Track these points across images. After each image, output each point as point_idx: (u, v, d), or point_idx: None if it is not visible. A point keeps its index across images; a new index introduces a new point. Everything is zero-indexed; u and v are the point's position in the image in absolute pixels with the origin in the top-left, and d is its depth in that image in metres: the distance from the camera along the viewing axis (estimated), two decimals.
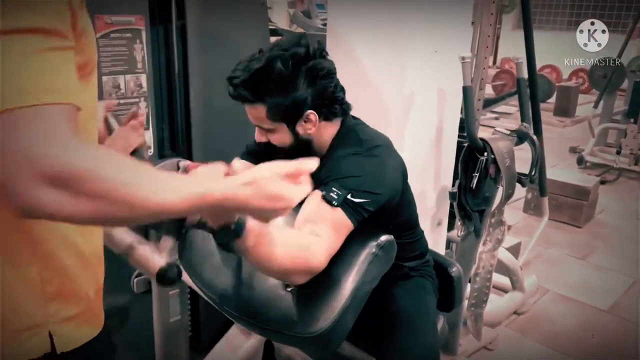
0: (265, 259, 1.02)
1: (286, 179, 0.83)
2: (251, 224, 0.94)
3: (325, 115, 1.29)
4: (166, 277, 0.91)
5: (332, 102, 1.28)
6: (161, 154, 1.88)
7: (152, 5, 1.73)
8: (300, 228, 1.15)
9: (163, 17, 1.80)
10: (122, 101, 1.71)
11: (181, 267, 1.28)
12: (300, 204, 1.19)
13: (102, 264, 0.90)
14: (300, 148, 1.30)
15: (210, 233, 0.92)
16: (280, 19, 7.48)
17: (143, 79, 1.73)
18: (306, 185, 0.86)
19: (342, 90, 1.32)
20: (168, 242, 0.91)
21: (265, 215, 0.84)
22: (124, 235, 0.92)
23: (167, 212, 0.70)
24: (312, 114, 1.26)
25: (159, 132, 1.86)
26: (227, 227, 0.91)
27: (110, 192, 0.62)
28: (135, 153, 1.23)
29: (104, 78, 1.65)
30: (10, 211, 0.60)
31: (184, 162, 1.59)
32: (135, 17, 1.66)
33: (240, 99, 1.24)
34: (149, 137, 1.80)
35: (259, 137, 1.32)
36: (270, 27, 2.24)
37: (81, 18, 0.71)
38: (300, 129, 1.28)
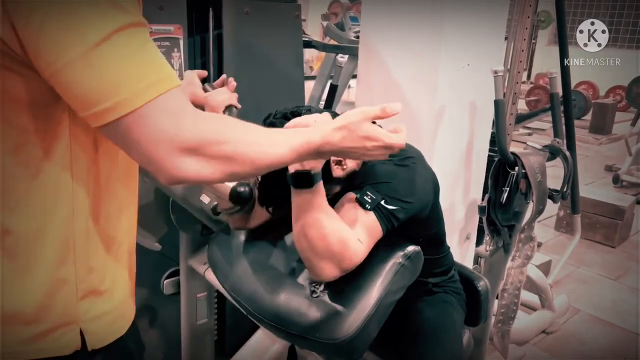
0: (315, 226, 1.08)
1: (373, 119, 0.92)
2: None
3: None
4: (239, 194, 1.00)
5: None
6: None
7: (191, 15, 1.78)
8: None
9: (200, 27, 1.85)
10: None
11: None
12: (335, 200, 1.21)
13: (133, 263, 0.92)
14: (353, 173, 1.28)
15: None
16: (313, 31, 7.57)
17: None
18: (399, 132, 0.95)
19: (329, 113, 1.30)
20: None
21: (359, 155, 0.92)
22: None
23: (280, 164, 0.80)
24: (340, 161, 1.24)
25: None
26: (305, 173, 1.03)
27: (236, 152, 0.72)
28: (227, 111, 1.37)
29: None
30: (161, 181, 0.69)
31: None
32: (174, 27, 1.71)
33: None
34: None
35: None
36: (304, 39, 2.28)
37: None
38: (338, 172, 1.24)
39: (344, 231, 1.12)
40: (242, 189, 1.14)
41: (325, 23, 5.07)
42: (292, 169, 1.07)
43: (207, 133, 0.69)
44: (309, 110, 1.24)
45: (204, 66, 1.89)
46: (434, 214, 1.36)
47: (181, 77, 1.78)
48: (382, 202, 1.17)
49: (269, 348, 1.50)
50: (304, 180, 1.07)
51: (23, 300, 0.74)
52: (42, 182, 0.73)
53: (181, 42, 1.74)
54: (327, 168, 1.23)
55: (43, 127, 0.71)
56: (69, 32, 0.62)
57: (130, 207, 0.89)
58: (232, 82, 1.43)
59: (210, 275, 1.50)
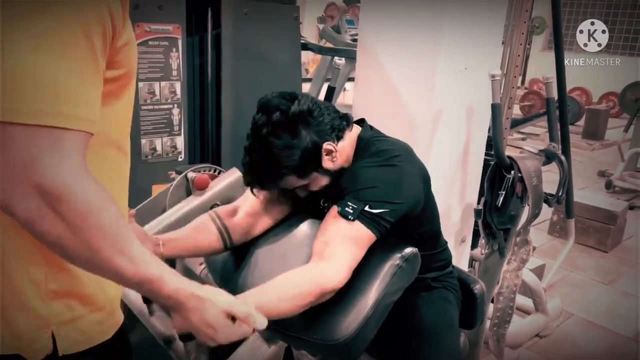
0: (284, 310, 1.07)
1: (229, 317, 0.87)
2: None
3: (337, 136, 1.29)
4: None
5: (333, 124, 1.28)
6: (191, 159, 1.92)
7: (189, 15, 1.78)
8: (316, 252, 1.17)
9: (199, 27, 1.85)
10: (156, 107, 1.75)
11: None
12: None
13: None
14: (339, 174, 1.30)
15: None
16: (310, 33, 7.57)
17: (177, 86, 1.78)
18: (244, 329, 0.90)
19: (330, 107, 1.32)
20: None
21: (191, 329, 0.86)
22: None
23: (118, 277, 0.72)
24: (328, 145, 1.26)
25: (190, 138, 1.91)
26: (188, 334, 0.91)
27: (83, 227, 0.65)
28: None
29: (140, 84, 1.70)
30: None
31: (191, 174, 1.62)
32: (173, 26, 1.71)
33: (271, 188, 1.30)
34: (180, 142, 1.84)
35: (301, 195, 1.34)
36: (300, 41, 2.28)
37: (125, 32, 0.73)
38: (328, 164, 1.28)
39: (300, 285, 1.11)
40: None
41: (321, 26, 5.09)
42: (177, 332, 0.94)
43: (72, 190, 0.64)
44: (307, 96, 1.26)
45: (202, 66, 1.89)
46: (427, 209, 1.35)
47: (180, 77, 1.78)
48: (367, 208, 1.17)
49: (265, 349, 1.49)
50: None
51: (6, 292, 0.72)
52: None
53: (180, 42, 1.74)
54: (317, 157, 1.25)
55: None
56: (26, 15, 0.60)
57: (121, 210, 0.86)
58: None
59: (207, 276, 1.50)
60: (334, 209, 1.20)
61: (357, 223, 1.16)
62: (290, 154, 1.22)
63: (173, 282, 0.78)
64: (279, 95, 1.24)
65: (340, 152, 1.29)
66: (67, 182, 0.64)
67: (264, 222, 1.38)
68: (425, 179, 1.34)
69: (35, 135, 0.61)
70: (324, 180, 1.30)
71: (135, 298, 1.38)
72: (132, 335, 1.44)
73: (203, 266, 1.57)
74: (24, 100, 0.61)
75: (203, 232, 1.33)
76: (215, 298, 0.86)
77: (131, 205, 0.97)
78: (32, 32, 0.61)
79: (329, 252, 1.15)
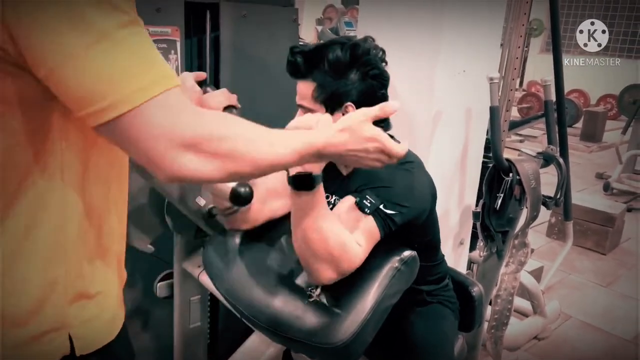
0: (315, 230, 1.09)
1: (374, 119, 0.93)
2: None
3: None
4: (239, 194, 1.00)
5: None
6: None
7: (188, 17, 1.78)
8: None
9: (197, 29, 1.85)
10: None
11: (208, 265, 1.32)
12: None
13: (123, 268, 0.91)
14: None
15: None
16: (308, 35, 7.58)
17: None
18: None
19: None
20: None
21: (358, 159, 0.92)
22: None
23: (282, 164, 0.80)
24: (351, 107, 1.27)
25: None
26: (306, 175, 1.03)
27: (236, 149, 0.71)
28: (227, 111, 1.36)
29: None
30: (160, 179, 0.69)
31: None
32: (171, 28, 1.71)
33: (294, 68, 1.29)
34: None
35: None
36: (299, 43, 2.28)
37: None
38: (337, 119, 1.28)
39: (343, 235, 1.12)
40: (242, 189, 1.13)
41: (319, 28, 5.09)
42: (292, 171, 1.06)
43: (207, 129, 0.68)
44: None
45: (200, 69, 1.89)
46: (430, 221, 1.36)
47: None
48: (381, 207, 1.18)
49: (264, 352, 1.49)
50: (305, 182, 1.07)
51: (14, 301, 0.73)
52: (31, 184, 0.71)
53: (178, 44, 1.74)
54: (339, 100, 1.27)
55: (32, 128, 0.70)
56: (65, 30, 0.61)
57: (122, 211, 0.88)
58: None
59: (205, 278, 1.49)
60: (350, 199, 1.20)
61: (370, 218, 1.17)
62: (332, 68, 1.25)
63: (315, 137, 0.84)
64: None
65: None
66: (200, 125, 0.68)
67: (268, 210, 1.38)
68: (433, 193, 1.35)
69: (160, 103, 0.65)
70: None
71: None
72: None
73: (201, 269, 1.57)
74: (140, 78, 0.64)
75: None
76: (352, 118, 0.91)
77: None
78: (102, 28, 0.63)
79: (354, 235, 1.15)
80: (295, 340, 1.18)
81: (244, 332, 1.61)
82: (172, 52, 1.73)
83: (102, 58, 0.62)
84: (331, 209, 1.26)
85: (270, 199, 1.38)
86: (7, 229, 0.71)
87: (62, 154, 0.73)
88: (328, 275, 1.12)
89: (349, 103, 1.27)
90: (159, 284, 1.79)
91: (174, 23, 1.72)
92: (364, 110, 0.93)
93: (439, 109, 1.88)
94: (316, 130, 0.87)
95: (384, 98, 1.31)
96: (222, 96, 1.38)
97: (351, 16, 6.72)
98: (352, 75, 1.26)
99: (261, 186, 1.36)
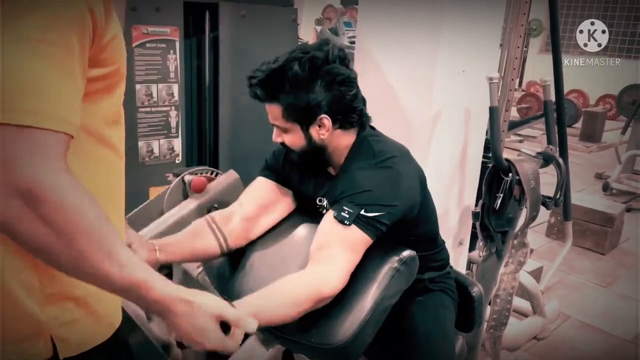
0: (280, 318, 1.08)
1: (219, 323, 0.84)
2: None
3: (341, 124, 1.27)
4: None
5: (348, 111, 1.26)
6: (189, 162, 1.92)
7: (187, 17, 1.78)
8: (313, 257, 1.18)
9: (196, 29, 1.85)
10: (153, 109, 1.75)
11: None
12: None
13: None
14: (315, 155, 1.30)
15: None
16: (307, 35, 7.58)
17: (175, 88, 1.77)
18: (235, 340, 0.87)
19: (362, 101, 1.30)
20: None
21: (178, 335, 0.83)
22: None
23: (106, 282, 0.70)
24: (325, 119, 1.24)
25: (187, 140, 1.90)
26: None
27: (65, 229, 0.63)
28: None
29: (137, 86, 1.70)
30: None
31: (189, 177, 1.61)
32: (171, 29, 1.71)
33: (257, 97, 1.25)
34: (178, 145, 1.84)
35: (276, 137, 1.32)
36: (298, 43, 2.28)
37: (110, 27, 0.72)
38: (313, 132, 1.26)
39: (300, 291, 1.11)
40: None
41: (319, 28, 5.09)
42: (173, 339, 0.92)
43: (55, 191, 0.62)
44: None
45: (199, 69, 1.89)
46: (424, 210, 1.34)
47: (178, 79, 1.77)
48: (362, 212, 1.17)
49: (263, 353, 1.49)
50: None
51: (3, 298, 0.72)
52: None
53: (177, 44, 1.74)
54: (312, 114, 1.23)
55: None
56: (5, 17, 0.60)
57: (119, 210, 0.86)
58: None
59: (204, 279, 1.49)
60: (330, 214, 1.20)
61: (354, 227, 1.16)
62: (295, 87, 1.20)
63: (161, 286, 0.76)
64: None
65: (332, 136, 1.27)
66: (47, 182, 0.62)
67: (260, 226, 1.38)
68: (422, 181, 1.33)
69: (14, 135, 0.60)
70: (299, 140, 1.27)
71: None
72: (133, 337, 1.43)
73: (200, 269, 1.57)
74: (3, 100, 0.59)
75: (199, 238, 1.32)
76: (205, 302, 0.83)
77: (129, 207, 0.96)
78: (8, 34, 0.60)
79: (326, 257, 1.15)
80: (294, 341, 1.18)
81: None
82: (171, 52, 1.73)
83: (9, 58, 0.60)
84: (324, 211, 1.26)
85: (260, 216, 1.38)
86: None
87: None
88: (320, 306, 1.13)
89: (322, 115, 1.24)
90: None
91: (173, 23, 1.72)
92: (221, 305, 0.86)
93: (439, 109, 1.88)
94: (163, 281, 0.77)
95: (356, 97, 1.27)
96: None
97: (350, 16, 6.72)
98: (317, 87, 1.21)
99: (248, 205, 1.36)
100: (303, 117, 1.24)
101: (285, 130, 1.28)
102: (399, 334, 1.39)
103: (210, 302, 0.84)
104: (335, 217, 1.17)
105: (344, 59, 1.27)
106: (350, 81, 1.25)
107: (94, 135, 0.76)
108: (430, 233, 1.42)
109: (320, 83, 1.22)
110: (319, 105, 1.23)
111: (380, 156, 1.26)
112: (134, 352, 0.95)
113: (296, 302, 1.09)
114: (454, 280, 1.54)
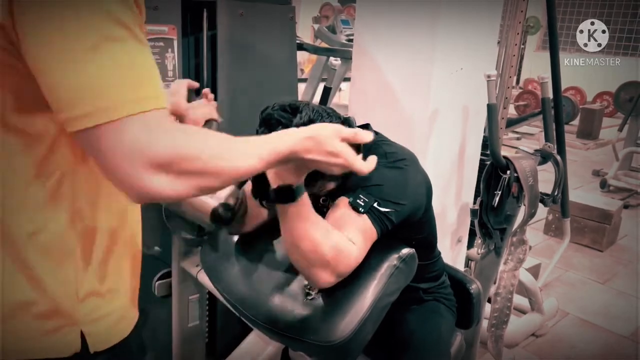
0: (305, 238, 1.07)
1: (344, 141, 0.91)
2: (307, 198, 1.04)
3: None
4: (219, 215, 0.98)
5: None
6: None
7: (185, 16, 1.78)
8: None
9: (194, 28, 1.84)
10: None
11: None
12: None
13: (138, 265, 0.92)
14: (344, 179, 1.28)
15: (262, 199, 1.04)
16: (305, 33, 7.58)
17: None
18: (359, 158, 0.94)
19: (329, 113, 1.26)
20: (225, 189, 0.96)
21: (322, 167, 0.92)
22: None
23: (249, 174, 0.79)
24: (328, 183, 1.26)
25: None
26: (287, 187, 1.01)
27: (206, 168, 0.70)
28: (207, 125, 1.38)
29: None
30: (132, 200, 0.68)
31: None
32: (168, 27, 1.71)
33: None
34: None
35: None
36: (296, 41, 2.27)
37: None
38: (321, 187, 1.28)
39: (334, 237, 1.11)
40: (223, 212, 1.10)
41: (316, 26, 5.07)
42: (274, 184, 1.04)
43: (178, 151, 0.67)
44: (307, 106, 1.23)
45: (197, 67, 1.89)
46: (426, 218, 1.36)
47: (176, 78, 1.77)
48: (375, 205, 1.17)
49: (262, 350, 1.49)
50: (287, 195, 1.04)
51: (35, 295, 0.75)
52: (41, 182, 0.72)
53: (175, 42, 1.73)
54: None
55: (42, 128, 0.70)
56: (65, 32, 0.61)
57: (135, 208, 0.89)
58: (210, 95, 1.45)
59: (203, 277, 1.49)
60: (344, 200, 1.20)
61: (365, 217, 1.16)
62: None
63: (279, 143, 0.83)
64: (280, 108, 1.22)
65: None
66: (172, 147, 0.67)
67: (255, 221, 1.37)
68: (428, 189, 1.34)
69: (139, 122, 0.64)
70: (330, 185, 1.29)
71: None
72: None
73: (199, 268, 1.57)
74: (123, 93, 0.63)
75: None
76: (323, 128, 0.91)
77: None
78: (107, 35, 0.63)
79: (349, 238, 1.14)
80: (293, 338, 1.18)
81: (243, 331, 1.61)
82: (169, 50, 1.72)
83: (91, 65, 0.62)
84: (326, 210, 1.25)
85: (261, 212, 1.37)
86: (19, 227, 0.72)
87: (73, 153, 0.74)
88: (326, 279, 1.11)
89: (320, 183, 1.25)
90: (157, 283, 1.79)
91: (171, 21, 1.72)
92: (337, 126, 0.92)
93: (437, 106, 1.88)
94: (282, 136, 0.86)
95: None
96: (204, 108, 1.39)
97: (348, 14, 6.71)
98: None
99: (251, 201, 1.35)
100: (315, 173, 1.18)
101: (315, 191, 1.28)
102: (392, 343, 1.40)
103: (327, 127, 0.92)
104: (351, 204, 1.17)
105: (293, 108, 1.23)
106: (317, 115, 1.22)
107: None
108: (428, 241, 1.43)
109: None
110: (317, 174, 1.18)
111: (391, 157, 1.27)
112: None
113: (317, 242, 1.08)
114: (449, 288, 1.55)
